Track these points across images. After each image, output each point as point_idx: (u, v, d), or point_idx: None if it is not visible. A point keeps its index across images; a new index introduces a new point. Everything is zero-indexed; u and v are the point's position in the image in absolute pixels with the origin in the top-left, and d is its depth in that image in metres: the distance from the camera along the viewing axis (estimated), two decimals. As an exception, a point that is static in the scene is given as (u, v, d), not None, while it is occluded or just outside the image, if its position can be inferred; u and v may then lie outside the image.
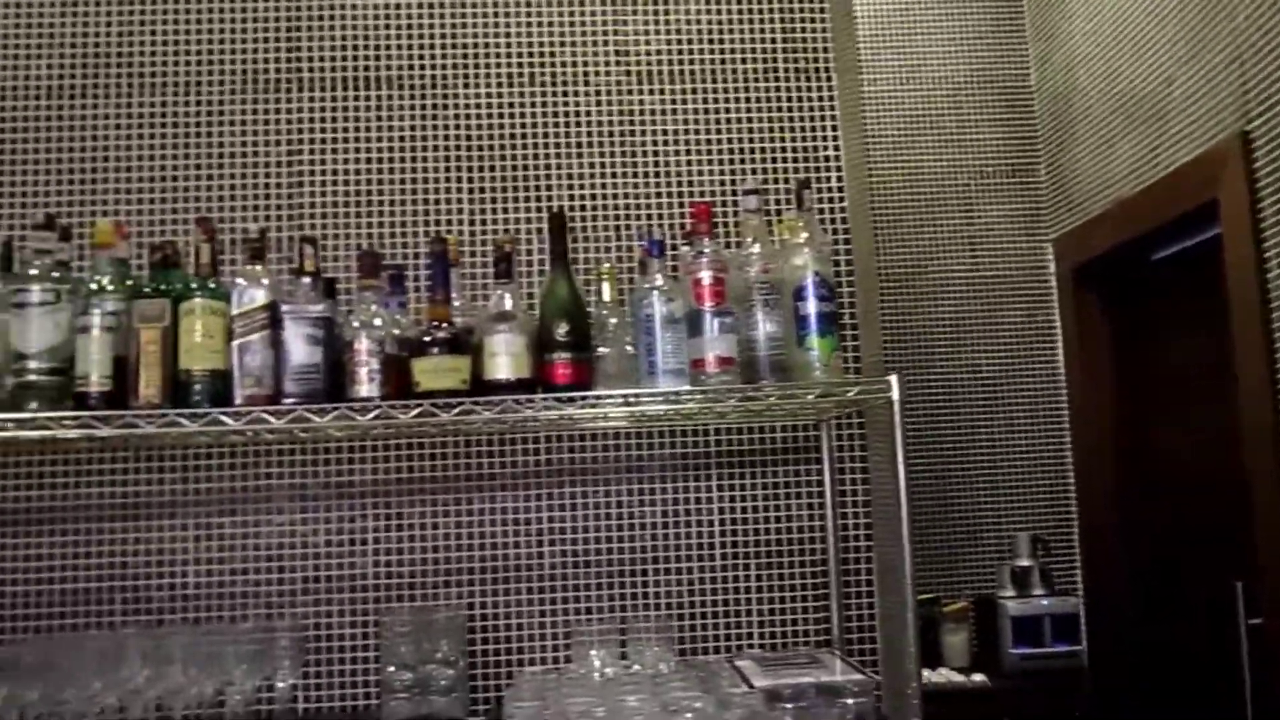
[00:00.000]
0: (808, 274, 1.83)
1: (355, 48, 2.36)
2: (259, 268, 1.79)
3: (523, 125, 2.36)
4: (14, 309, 1.72)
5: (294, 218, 2.29)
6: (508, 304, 1.80)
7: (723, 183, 2.36)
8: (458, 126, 2.35)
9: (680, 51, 2.41)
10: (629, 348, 1.90)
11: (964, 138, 3.87)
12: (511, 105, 2.37)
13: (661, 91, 2.39)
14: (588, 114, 2.37)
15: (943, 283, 3.81)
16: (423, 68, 2.37)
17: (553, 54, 2.39)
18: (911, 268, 3.81)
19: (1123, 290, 3.58)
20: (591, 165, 2.36)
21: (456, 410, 1.73)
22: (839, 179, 2.37)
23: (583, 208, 2.34)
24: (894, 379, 1.79)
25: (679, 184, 2.36)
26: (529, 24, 2.39)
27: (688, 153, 2.37)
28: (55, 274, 1.76)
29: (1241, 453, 2.70)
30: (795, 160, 2.38)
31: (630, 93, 2.39)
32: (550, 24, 2.40)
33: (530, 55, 2.39)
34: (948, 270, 3.82)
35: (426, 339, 1.78)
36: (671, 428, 2.27)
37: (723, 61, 2.41)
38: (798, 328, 1.83)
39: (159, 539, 2.19)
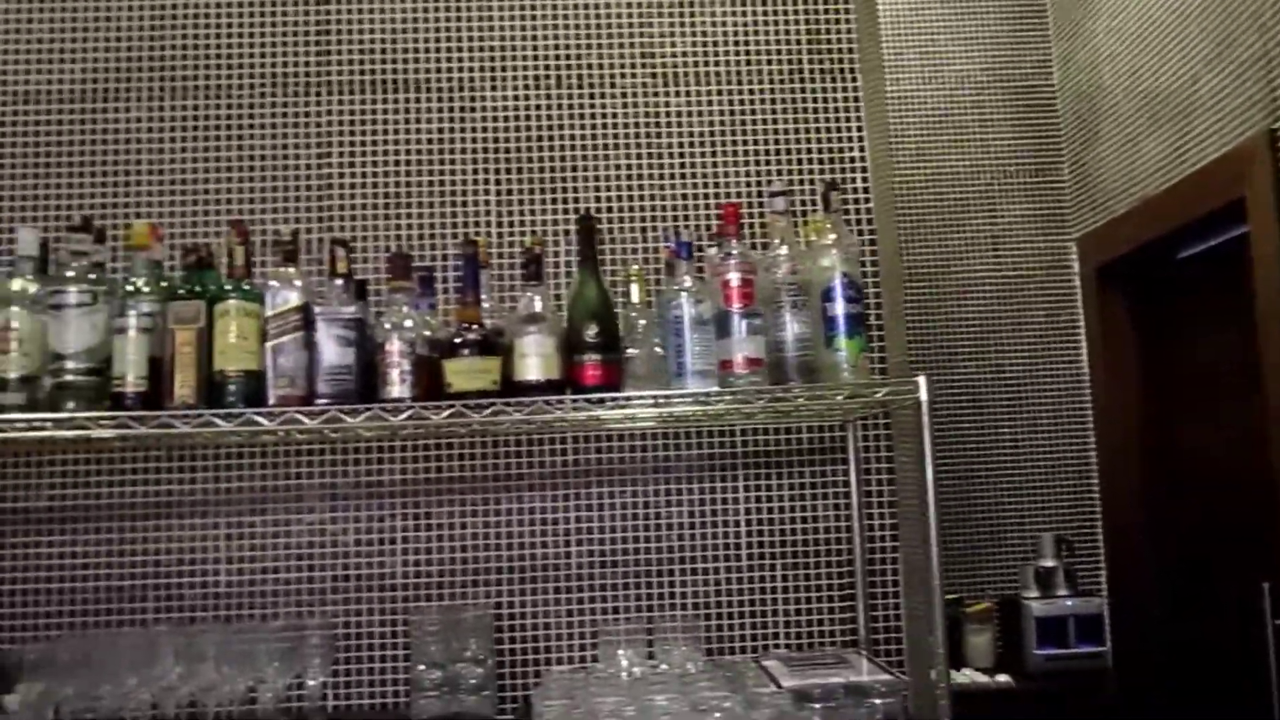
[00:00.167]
0: (836, 275, 1.83)
1: (384, 51, 2.38)
2: (292, 269, 1.81)
3: (550, 127, 2.38)
4: (52, 310, 1.75)
5: (324, 220, 2.31)
6: (537, 305, 1.81)
7: (748, 184, 2.37)
8: (486, 129, 2.37)
9: (706, 53, 2.41)
10: (658, 349, 1.91)
11: (987, 137, 3.86)
12: (539, 107, 2.38)
13: (687, 93, 2.40)
14: (614, 116, 2.39)
15: (966, 283, 3.80)
16: (451, 71, 2.38)
17: (579, 56, 2.40)
18: (935, 268, 3.80)
19: (1147, 289, 3.56)
20: (618, 167, 2.37)
21: (488, 411, 1.74)
22: (864, 180, 2.38)
23: (609, 209, 2.35)
24: (922, 380, 1.79)
25: (705, 185, 2.37)
26: (556, 27, 2.41)
27: (713, 154, 2.38)
28: (92, 276, 1.78)
29: (1268, 451, 2.69)
30: (820, 161, 2.38)
31: (656, 95, 2.40)
32: (577, 27, 2.41)
33: (557, 58, 2.40)
34: (971, 270, 3.81)
35: (457, 340, 1.79)
36: (698, 428, 2.28)
37: (748, 63, 2.42)
38: (825, 329, 1.83)
39: (191, 537, 2.22)
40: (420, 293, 1.97)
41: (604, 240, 2.31)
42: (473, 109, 2.38)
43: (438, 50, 2.39)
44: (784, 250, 1.90)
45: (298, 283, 1.79)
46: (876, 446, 2.31)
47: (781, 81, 2.41)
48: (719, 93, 2.40)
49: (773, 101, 2.40)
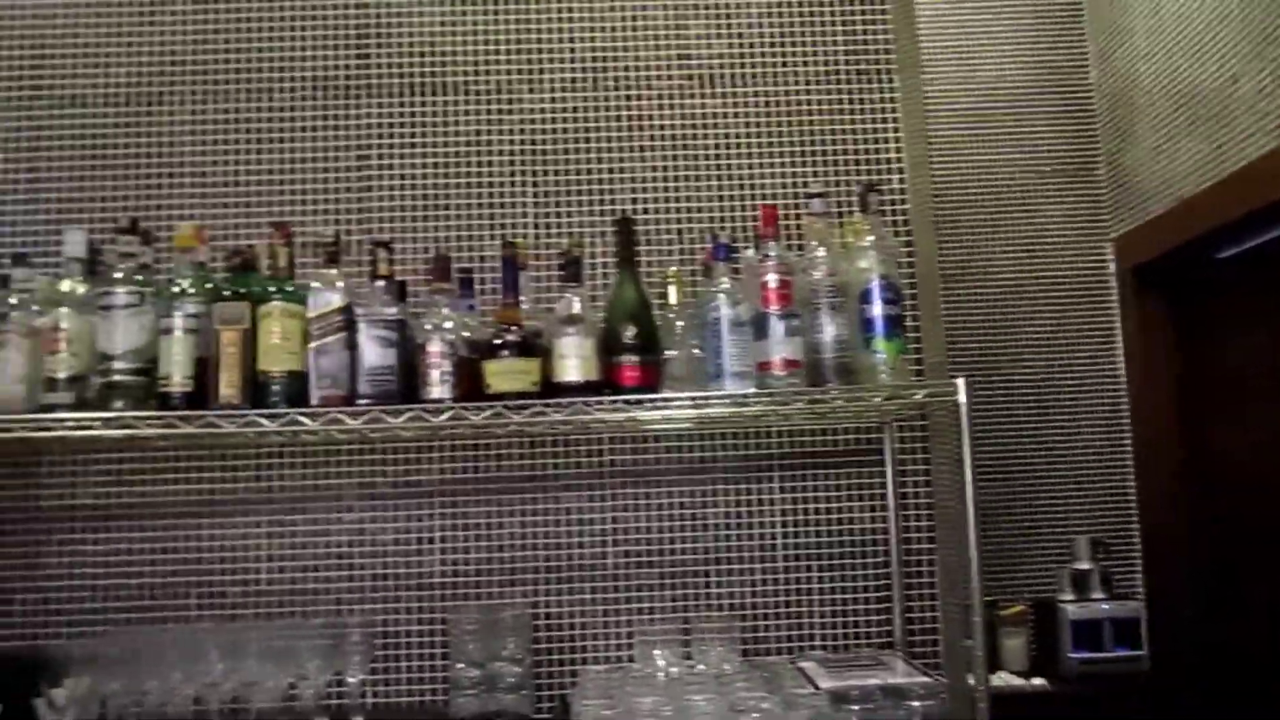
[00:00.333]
0: (873, 276, 1.83)
1: (422, 54, 2.40)
2: (334, 271, 1.83)
3: (587, 129, 2.39)
4: (100, 311, 1.78)
5: (363, 221, 2.34)
6: (576, 307, 1.82)
7: (784, 185, 2.37)
8: (523, 131, 2.38)
9: (742, 55, 2.42)
10: (695, 350, 1.91)
11: (1023, 137, 3.83)
12: (575, 110, 2.39)
13: (724, 95, 2.40)
14: (650, 118, 2.39)
15: (1002, 283, 3.77)
16: (488, 73, 2.40)
17: (616, 58, 2.41)
18: (970, 268, 3.78)
19: (1185, 290, 3.52)
20: (654, 169, 2.38)
21: (528, 412, 1.75)
22: (901, 180, 2.37)
23: (647, 211, 2.36)
24: (961, 382, 1.79)
25: (742, 187, 2.37)
26: (592, 29, 2.42)
27: (750, 155, 2.38)
28: (139, 277, 1.81)
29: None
30: (857, 162, 2.38)
31: (693, 96, 2.40)
32: (613, 29, 2.42)
33: (594, 60, 2.41)
34: (1007, 271, 3.78)
35: (497, 341, 1.80)
36: (735, 429, 2.28)
37: (784, 64, 2.42)
38: (863, 330, 1.83)
39: (233, 536, 2.25)
40: (460, 294, 1.99)
41: (642, 242, 2.31)
42: (510, 111, 2.39)
43: (475, 53, 2.41)
44: (821, 252, 1.90)
45: (340, 284, 1.81)
46: (912, 448, 2.30)
47: (818, 82, 2.41)
48: (755, 94, 2.40)
49: (809, 102, 2.40)
